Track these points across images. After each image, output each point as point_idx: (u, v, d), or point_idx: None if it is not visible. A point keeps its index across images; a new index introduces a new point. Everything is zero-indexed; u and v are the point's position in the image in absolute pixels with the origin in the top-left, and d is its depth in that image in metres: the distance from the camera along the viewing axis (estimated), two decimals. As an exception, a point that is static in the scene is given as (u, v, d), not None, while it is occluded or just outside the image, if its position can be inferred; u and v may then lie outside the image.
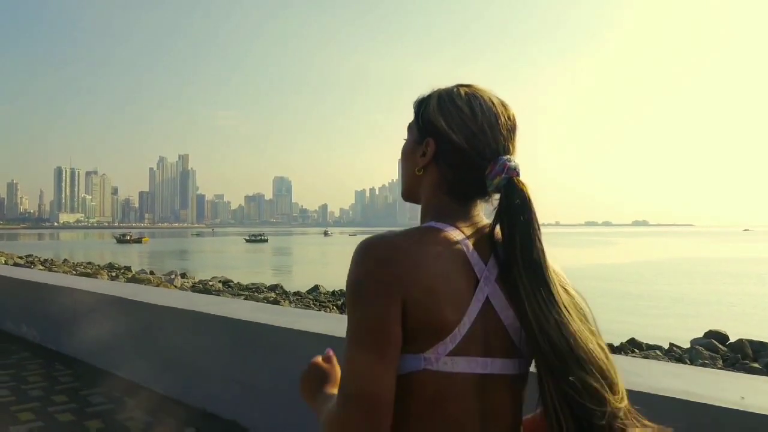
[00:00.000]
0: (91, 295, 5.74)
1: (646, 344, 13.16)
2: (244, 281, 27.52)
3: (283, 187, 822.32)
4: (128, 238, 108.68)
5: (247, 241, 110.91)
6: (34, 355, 6.06)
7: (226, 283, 25.18)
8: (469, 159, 1.03)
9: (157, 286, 15.52)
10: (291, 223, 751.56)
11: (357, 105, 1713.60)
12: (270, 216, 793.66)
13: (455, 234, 1.00)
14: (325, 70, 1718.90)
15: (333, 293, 22.51)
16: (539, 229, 1.00)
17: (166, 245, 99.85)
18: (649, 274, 39.50)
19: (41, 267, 28.09)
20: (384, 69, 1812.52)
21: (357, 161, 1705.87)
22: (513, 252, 0.99)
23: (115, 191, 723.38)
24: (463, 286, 0.96)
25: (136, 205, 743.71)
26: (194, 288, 20.51)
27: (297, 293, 22.04)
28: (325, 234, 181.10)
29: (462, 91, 1.08)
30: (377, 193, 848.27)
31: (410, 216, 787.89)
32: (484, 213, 1.08)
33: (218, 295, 16.72)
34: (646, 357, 9.83)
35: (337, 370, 1.18)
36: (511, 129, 1.07)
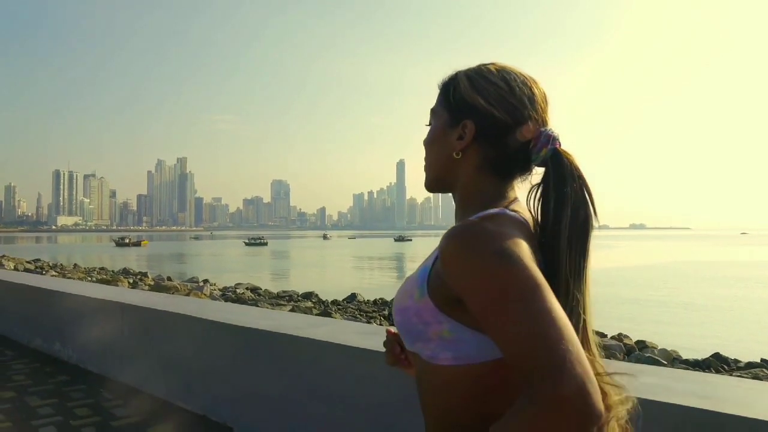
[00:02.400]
0: (142, 311, 4.94)
1: (734, 359, 11.97)
2: (262, 286, 26.29)
3: (281, 190, 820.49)
4: (127, 241, 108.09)
5: (247, 244, 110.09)
6: (75, 380, 5.26)
7: (254, 290, 24.00)
8: (513, 133, 1.01)
9: (187, 294, 14.63)
10: (289, 227, 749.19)
11: (355, 108, 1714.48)
12: (268, 219, 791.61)
13: (521, 217, 0.98)
14: (324, 74, 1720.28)
15: (374, 302, 21.37)
16: (593, 197, 0.98)
17: (166, 248, 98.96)
18: (657, 279, 38.61)
19: (54, 273, 26.94)
20: (381, 73, 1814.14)
21: (355, 164, 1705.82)
22: (559, 223, 0.95)
23: (113, 194, 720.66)
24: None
25: (134, 208, 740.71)
26: (225, 297, 19.38)
27: (335, 302, 20.95)
28: (324, 237, 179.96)
29: (491, 67, 1.05)
30: (375, 196, 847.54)
31: (408, 220, 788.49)
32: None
33: (255, 304, 15.63)
34: (756, 378, 9.04)
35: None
36: (546, 100, 1.05)
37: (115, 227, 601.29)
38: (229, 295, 20.34)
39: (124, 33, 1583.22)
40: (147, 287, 20.14)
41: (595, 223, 0.97)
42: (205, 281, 25.99)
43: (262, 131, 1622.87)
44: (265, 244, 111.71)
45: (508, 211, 0.97)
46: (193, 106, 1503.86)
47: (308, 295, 22.16)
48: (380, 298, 21.76)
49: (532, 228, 0.98)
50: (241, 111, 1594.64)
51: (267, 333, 3.72)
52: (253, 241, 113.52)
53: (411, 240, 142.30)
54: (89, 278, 23.97)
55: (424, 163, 1.12)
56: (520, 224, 0.95)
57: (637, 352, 11.83)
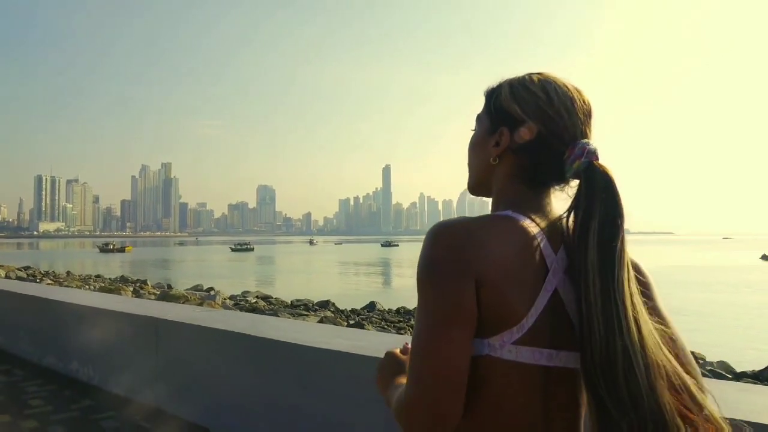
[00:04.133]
0: (183, 328, 4.36)
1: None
2: (266, 293, 25.41)
3: (266, 195, 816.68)
4: (111, 247, 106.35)
5: (233, 250, 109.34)
6: (102, 404, 4.66)
7: (265, 298, 23.03)
8: (547, 144, 1.02)
9: (200, 304, 13.88)
10: (274, 232, 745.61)
11: (341, 114, 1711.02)
12: (253, 224, 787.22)
13: (528, 224, 0.98)
14: (311, 79, 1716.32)
15: (398, 311, 20.54)
16: (623, 212, 0.95)
17: (151, 254, 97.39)
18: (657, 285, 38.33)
19: (49, 281, 25.86)
20: (368, 78, 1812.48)
21: (341, 170, 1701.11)
22: (586, 236, 0.94)
23: (96, 200, 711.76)
24: (533, 275, 0.94)
25: (118, 213, 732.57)
26: (240, 307, 18.38)
27: (355, 311, 20.19)
28: (311, 243, 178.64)
29: (534, 77, 1.06)
30: (361, 201, 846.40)
31: (394, 225, 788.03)
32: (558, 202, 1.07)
33: (274, 314, 14.66)
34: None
35: None
36: (588, 113, 1.04)
37: (98, 233, 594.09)
38: (243, 305, 19.49)
39: (111, 37, 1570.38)
40: (153, 296, 19.29)
41: (620, 238, 0.94)
42: (210, 289, 25.18)
43: (248, 136, 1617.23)
44: (252, 249, 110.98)
45: (511, 214, 1.00)
46: (178, 111, 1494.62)
47: (324, 304, 21.29)
48: (402, 307, 21.02)
49: (544, 236, 0.98)
50: (227, 116, 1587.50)
51: (347, 355, 3.18)
52: (239, 247, 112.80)
53: (398, 245, 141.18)
54: (87, 287, 23.06)
55: (468, 166, 1.15)
56: (515, 229, 0.97)
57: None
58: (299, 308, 19.76)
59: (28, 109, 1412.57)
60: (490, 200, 1.12)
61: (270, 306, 20.18)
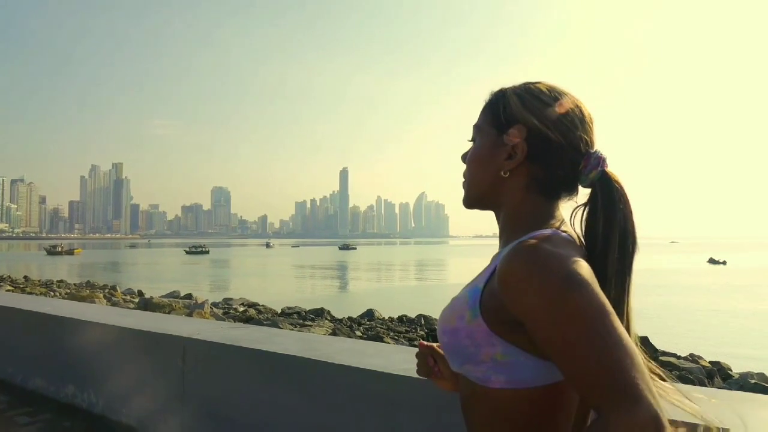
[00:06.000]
0: (219, 350, 3.71)
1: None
2: (241, 298, 24.17)
3: (221, 197, 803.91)
4: (59, 249, 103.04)
5: (188, 252, 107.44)
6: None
7: (253, 306, 21.59)
8: (566, 155, 1.00)
9: (189, 314, 12.89)
10: (229, 234, 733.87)
11: (299, 115, 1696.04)
12: (208, 227, 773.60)
13: (572, 237, 0.97)
14: (268, 82, 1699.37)
15: (400, 320, 19.25)
16: (635, 224, 0.98)
17: (101, 257, 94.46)
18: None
19: (9, 287, 23.98)
20: (326, 80, 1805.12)
21: (298, 172, 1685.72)
22: (607, 247, 0.94)
23: (43, 200, 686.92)
24: None
25: (66, 215, 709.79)
26: (232, 317, 16.87)
27: (352, 319, 18.89)
28: (267, 246, 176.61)
29: (541, 86, 1.04)
30: (318, 204, 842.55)
31: (351, 228, 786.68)
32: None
33: (275, 325, 13.24)
34: None
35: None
36: (592, 121, 1.05)
37: (44, 235, 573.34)
38: (233, 314, 18.27)
39: (66, 36, 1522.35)
40: (132, 305, 18.00)
41: (638, 246, 0.97)
42: (188, 296, 23.63)
43: (204, 138, 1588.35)
44: (207, 252, 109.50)
45: (560, 232, 0.96)
46: (131, 110, 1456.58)
47: (319, 312, 19.90)
48: (404, 315, 19.84)
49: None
50: (183, 116, 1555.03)
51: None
52: (194, 250, 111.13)
53: (356, 248, 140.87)
54: (52, 293, 21.54)
55: (464, 179, 1.10)
56: (573, 244, 0.95)
57: (732, 378, 10.66)
58: (292, 317, 18.62)
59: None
60: (461, 198, 1.11)
61: (263, 316, 18.79)
